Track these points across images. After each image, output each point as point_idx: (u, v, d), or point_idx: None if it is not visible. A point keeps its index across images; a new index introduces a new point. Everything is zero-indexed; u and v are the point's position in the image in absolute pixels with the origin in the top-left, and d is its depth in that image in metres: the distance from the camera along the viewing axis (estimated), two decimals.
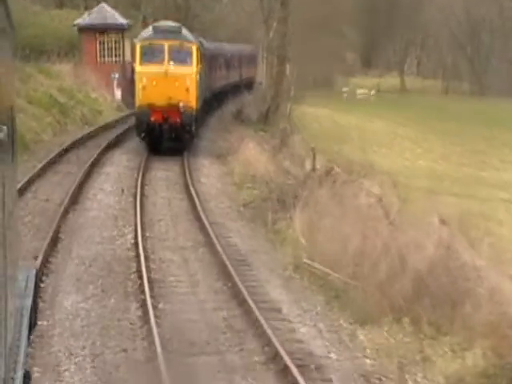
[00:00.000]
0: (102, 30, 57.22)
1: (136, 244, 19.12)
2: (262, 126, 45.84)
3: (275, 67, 50.45)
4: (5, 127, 4.11)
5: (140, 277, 16.51)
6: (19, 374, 4.45)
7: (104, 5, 59.84)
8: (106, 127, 44.29)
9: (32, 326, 6.23)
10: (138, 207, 22.99)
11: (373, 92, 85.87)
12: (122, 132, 41.79)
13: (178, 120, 34.42)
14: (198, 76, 35.71)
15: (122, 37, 58.15)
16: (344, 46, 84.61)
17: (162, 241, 20.03)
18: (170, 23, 37.79)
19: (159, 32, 35.35)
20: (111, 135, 40.34)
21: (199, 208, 23.15)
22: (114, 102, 55.49)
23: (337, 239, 18.95)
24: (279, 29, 48.49)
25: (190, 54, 35.17)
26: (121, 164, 32.38)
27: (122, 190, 26.48)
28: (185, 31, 36.01)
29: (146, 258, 17.80)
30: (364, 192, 22.06)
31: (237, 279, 16.50)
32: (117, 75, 56.82)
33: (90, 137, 39.51)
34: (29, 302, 5.97)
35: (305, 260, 18.51)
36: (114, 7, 61.23)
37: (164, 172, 30.83)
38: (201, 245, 19.83)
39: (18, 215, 7.38)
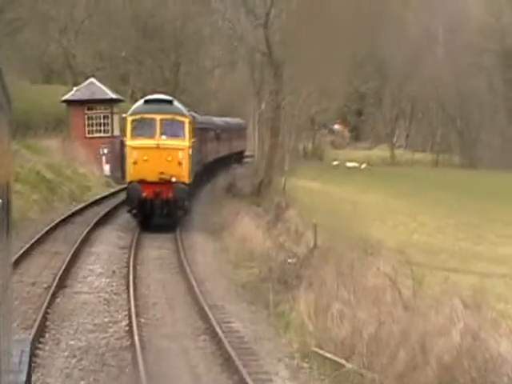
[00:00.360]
0: (91, 104, 56.51)
1: (131, 332, 17.58)
2: (255, 199, 44.70)
3: (268, 139, 49.44)
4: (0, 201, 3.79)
5: (137, 370, 14.92)
6: None
7: (93, 80, 59.38)
8: (95, 203, 42.96)
9: None
10: (132, 290, 21.44)
11: (363, 165, 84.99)
12: (112, 208, 40.43)
13: (171, 195, 33.13)
14: (190, 149, 34.55)
15: (111, 111, 57.46)
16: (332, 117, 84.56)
17: (159, 327, 18.38)
18: (162, 96, 36.78)
19: (151, 105, 34.29)
20: (100, 211, 38.97)
21: (196, 290, 21.63)
22: (103, 177, 54.39)
23: (348, 324, 17.49)
24: (272, 100, 47.67)
25: (183, 127, 34.06)
26: (111, 242, 30.89)
27: (113, 272, 24.97)
28: (177, 104, 35.01)
29: (143, 348, 16.21)
30: (372, 271, 20.71)
31: (243, 371, 14.91)
32: (106, 150, 55.97)
33: (78, 214, 38.15)
34: (23, 377, 5.63)
35: (314, 348, 16.98)
36: (103, 82, 60.55)
37: (157, 250, 29.35)
38: (201, 331, 18.16)
39: (12, 289, 6.92)
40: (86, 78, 61.59)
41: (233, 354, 15.98)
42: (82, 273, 24.63)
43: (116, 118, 57.52)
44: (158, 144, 33.19)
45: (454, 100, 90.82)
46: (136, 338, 16.86)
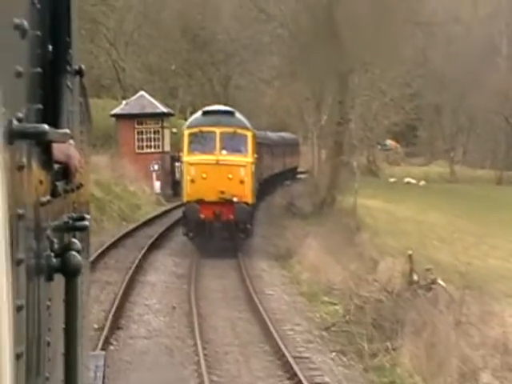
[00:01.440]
0: (141, 118, 53.27)
1: None
2: (317, 219, 40.91)
3: (331, 155, 45.67)
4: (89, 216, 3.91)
5: None
6: None
7: (143, 93, 56.26)
8: (146, 224, 39.58)
9: None
10: (197, 335, 17.88)
11: (422, 182, 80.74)
12: (165, 229, 37.00)
13: (232, 217, 29.51)
14: (253, 166, 30.93)
15: (162, 126, 54.24)
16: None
17: None
18: (222, 107, 33.26)
19: (210, 117, 30.73)
20: (153, 233, 35.55)
21: (274, 335, 17.94)
22: (153, 194, 51.10)
23: None
24: (335, 114, 43.99)
25: (245, 142, 30.47)
26: (167, 270, 27.36)
27: (173, 308, 21.45)
28: (238, 116, 31.35)
29: None
30: (494, 317, 16.90)
31: None
32: (156, 167, 52.79)
33: (129, 235, 34.78)
34: None
35: None
36: (152, 96, 57.39)
37: (219, 280, 25.76)
38: None
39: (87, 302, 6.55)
40: (136, 92, 58.67)
41: None
42: (137, 309, 21.12)
43: (167, 132, 54.78)
44: (217, 160, 29.66)
45: None
46: None
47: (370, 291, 21.55)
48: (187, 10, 72.67)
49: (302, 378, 14.65)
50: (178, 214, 40.26)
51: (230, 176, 29.55)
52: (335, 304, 21.66)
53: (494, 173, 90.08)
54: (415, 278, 20.33)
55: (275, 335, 17.80)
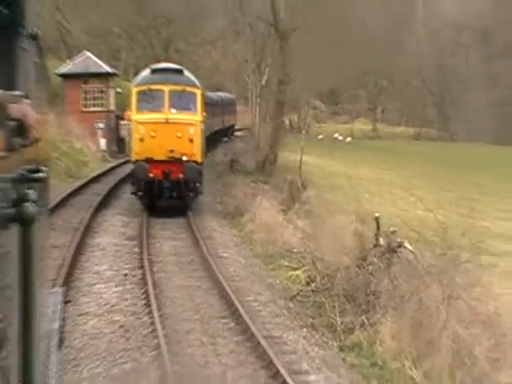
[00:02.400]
0: (86, 78, 49.20)
1: None
2: (260, 176, 37.70)
3: (272, 114, 42.31)
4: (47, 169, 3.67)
5: None
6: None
7: (88, 53, 51.98)
8: (93, 181, 35.78)
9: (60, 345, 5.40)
10: (155, 311, 14.51)
11: (348, 139, 78.31)
12: (112, 187, 33.29)
13: (182, 176, 25.98)
14: (202, 125, 27.39)
15: (107, 85, 50.26)
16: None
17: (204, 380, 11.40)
18: (170, 65, 29.40)
19: (158, 75, 26.87)
20: (99, 190, 31.87)
21: (241, 311, 14.61)
22: (99, 151, 47.26)
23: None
24: (275, 74, 40.58)
25: (194, 100, 26.76)
26: (116, 231, 23.75)
27: (125, 275, 17.97)
28: (187, 74, 27.59)
29: None
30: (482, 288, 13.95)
31: None
32: (101, 125, 48.92)
33: (76, 193, 30.98)
34: (56, 324, 5.38)
35: None
36: (97, 57, 53.36)
37: (172, 242, 22.27)
38: None
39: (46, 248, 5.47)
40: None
41: None
42: (87, 278, 17.57)
43: (112, 92, 50.85)
44: (167, 118, 25.99)
45: (433, 76, 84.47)
46: None
47: (333, 255, 18.43)
48: None
49: (280, 369, 11.39)
50: (124, 170, 36.88)
51: (179, 134, 25.99)
52: (296, 269, 18.44)
53: (412, 130, 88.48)
54: (381, 241, 17.20)
55: (241, 311, 14.49)
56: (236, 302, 15.16)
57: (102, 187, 33.33)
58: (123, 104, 44.79)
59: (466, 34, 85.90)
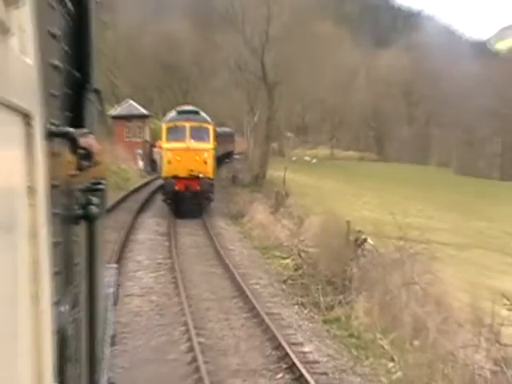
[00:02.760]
0: (129, 118, 48.20)
1: (195, 360, 9.40)
2: (254, 187, 36.43)
3: (262, 144, 41.03)
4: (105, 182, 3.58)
5: None
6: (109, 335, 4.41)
7: (130, 101, 51.25)
8: (134, 191, 34.47)
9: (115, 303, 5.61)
10: (183, 295, 13.20)
11: (314, 160, 77.00)
12: (147, 196, 32.00)
13: (198, 188, 24.71)
14: (213, 151, 26.13)
15: (144, 123, 49.26)
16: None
17: (224, 356, 9.95)
18: (190, 107, 28.13)
19: (181, 115, 25.62)
20: (138, 198, 30.57)
21: (248, 292, 13.33)
22: (138, 170, 46.14)
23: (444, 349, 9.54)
24: (264, 115, 39.38)
25: (208, 133, 25.52)
26: (151, 229, 22.42)
27: (159, 264, 16.67)
28: (202, 113, 26.38)
29: None
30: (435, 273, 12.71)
31: None
32: (140, 151, 47.82)
33: (122, 200, 29.61)
34: (112, 289, 5.47)
35: None
36: (137, 103, 52.43)
37: (192, 237, 20.96)
38: (274, 360, 9.78)
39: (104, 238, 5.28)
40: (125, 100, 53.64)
41: None
42: (130, 266, 16.25)
43: (147, 128, 49.98)
44: (188, 146, 24.69)
45: (372, 116, 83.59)
46: (203, 372, 8.79)
47: (313, 247, 17.18)
48: (158, 45, 67.15)
49: (282, 342, 10.15)
50: (156, 183, 35.62)
51: (197, 158, 24.73)
52: (285, 258, 17.19)
53: (358, 153, 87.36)
54: (351, 238, 15.95)
55: (248, 293, 13.21)
56: (243, 285, 13.91)
57: (141, 196, 32.06)
58: (155, 136, 44.34)
59: (394, 87, 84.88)
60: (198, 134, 25.18)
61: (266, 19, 35.55)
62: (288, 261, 16.63)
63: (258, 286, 14.29)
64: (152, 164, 48.38)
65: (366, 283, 12.51)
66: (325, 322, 11.98)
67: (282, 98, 39.19)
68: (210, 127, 25.75)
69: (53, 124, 1.76)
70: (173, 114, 26.35)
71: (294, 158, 76.40)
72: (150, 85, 69.79)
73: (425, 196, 53.28)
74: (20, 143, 1.29)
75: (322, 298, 12.79)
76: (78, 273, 2.54)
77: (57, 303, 1.57)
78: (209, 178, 25.05)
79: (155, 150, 44.15)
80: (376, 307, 11.44)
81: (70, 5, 2.46)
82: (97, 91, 3.92)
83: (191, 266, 16.42)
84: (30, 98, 1.35)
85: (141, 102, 62.33)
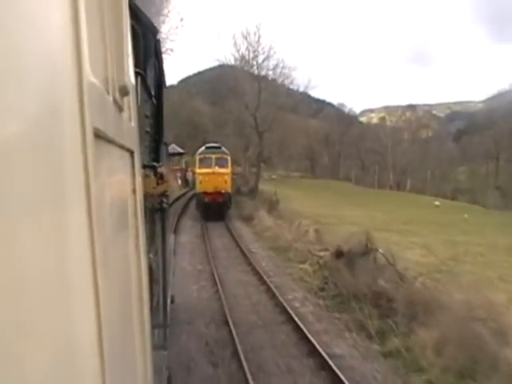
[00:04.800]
0: (173, 155, 42.16)
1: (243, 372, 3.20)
2: (251, 196, 30.09)
3: (255, 168, 34.70)
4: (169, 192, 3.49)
5: None
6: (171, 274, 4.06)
7: (173, 145, 44.91)
8: (176, 199, 27.86)
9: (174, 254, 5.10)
10: (226, 309, 6.90)
11: (276, 177, 70.61)
12: (185, 202, 25.36)
13: (221, 200, 18.43)
14: (231, 174, 19.81)
15: (181, 157, 43.08)
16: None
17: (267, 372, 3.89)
18: (214, 144, 21.75)
19: (209, 149, 19.50)
20: (180, 203, 23.96)
21: (290, 310, 7.10)
22: (178, 185, 40.14)
23: None
24: (255, 151, 33.10)
25: (227, 161, 19.27)
26: (191, 232, 15.91)
27: (199, 271, 10.28)
28: (223, 148, 20.17)
29: None
30: None
31: None
32: (178, 173, 41.53)
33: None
34: (173, 246, 4.93)
35: None
36: (177, 145, 46.25)
37: (220, 239, 14.59)
38: None
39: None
40: (169, 144, 46.73)
41: None
42: (177, 260, 9.77)
43: (183, 160, 44.48)
44: (213, 171, 18.45)
45: (308, 152, 78.06)
46: None
47: (322, 250, 10.97)
48: (190, 114, 60.60)
49: (338, 372, 4.00)
50: (189, 193, 29.47)
51: (220, 179, 18.56)
52: (302, 262, 10.92)
53: (299, 173, 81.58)
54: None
55: (290, 312, 6.98)
56: (285, 305, 7.62)
57: (181, 202, 25.39)
58: (187, 165, 40.39)
59: (320, 136, 79.58)
60: (221, 162, 18.93)
61: (258, 91, 29.56)
62: (306, 266, 10.37)
63: (297, 304, 7.98)
64: (186, 181, 42.52)
65: (418, 306, 6.36)
66: (384, 355, 5.78)
67: (268, 140, 32.90)
68: (228, 157, 19.52)
69: (146, 160, 2.12)
70: (203, 148, 20.09)
71: (274, 177, 70.20)
72: (184, 135, 63.52)
73: (343, 198, 47.41)
74: (129, 168, 1.32)
75: (369, 322, 6.58)
76: (157, 237, 2.70)
77: (148, 252, 1.65)
78: (228, 193, 18.81)
79: (187, 173, 40.35)
80: (447, 341, 5.26)
81: (154, 99, 2.88)
82: (165, 143, 4.26)
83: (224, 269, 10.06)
84: (133, 143, 1.38)
85: (179, 144, 56.40)
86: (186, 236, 14.46)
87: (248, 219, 19.35)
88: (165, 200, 2.85)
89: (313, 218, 20.13)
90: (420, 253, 11.99)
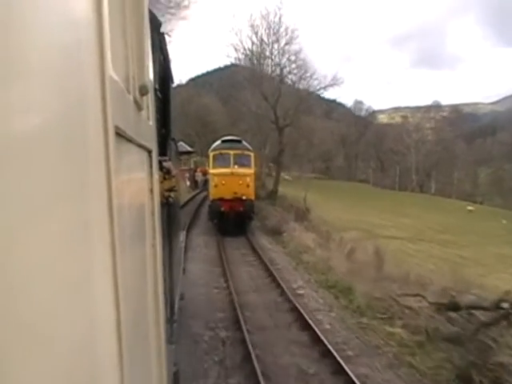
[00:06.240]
0: (182, 153, 38.97)
1: None
2: (270, 201, 26.04)
3: (274, 169, 30.76)
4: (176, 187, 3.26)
5: None
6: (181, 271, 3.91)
7: (181, 142, 41.59)
8: (187, 202, 24.23)
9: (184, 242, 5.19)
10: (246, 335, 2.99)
11: (291, 178, 66.36)
12: (196, 208, 21.43)
13: (242, 209, 14.31)
14: (254, 176, 15.69)
15: (190, 156, 39.77)
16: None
17: None
18: (233, 137, 17.58)
19: (226, 144, 15.22)
20: (189, 208, 20.03)
21: (324, 339, 3.33)
22: (186, 187, 36.74)
23: None
24: (275, 147, 29.13)
25: (250, 159, 14.98)
26: (202, 252, 11.92)
27: (224, 342, 6.19)
28: (244, 142, 15.90)
29: None
30: None
31: None
32: (187, 174, 37.40)
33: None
34: (183, 237, 4.80)
35: None
36: (186, 143, 42.89)
37: (245, 268, 10.32)
38: None
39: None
40: (177, 142, 43.26)
41: None
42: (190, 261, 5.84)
43: (192, 159, 40.94)
44: (232, 172, 14.32)
45: (324, 153, 73.66)
46: None
47: (408, 295, 6.83)
48: (199, 111, 56.77)
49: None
50: (199, 196, 25.76)
51: (240, 182, 14.34)
52: (388, 318, 6.77)
53: (314, 174, 77.15)
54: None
55: (325, 341, 2.94)
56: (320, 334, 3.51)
57: (190, 208, 21.47)
58: (197, 164, 36.84)
59: (337, 137, 75.25)
60: (241, 161, 14.76)
61: (279, 79, 25.52)
62: (399, 330, 6.10)
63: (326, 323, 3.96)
64: (195, 183, 39.12)
65: None
66: None
67: (289, 137, 28.88)
68: (252, 154, 15.24)
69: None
70: (218, 142, 15.81)
71: (289, 178, 66.02)
72: (193, 133, 60.18)
73: (365, 202, 42.94)
74: (147, 167, 1.34)
75: None
76: (164, 233, 2.61)
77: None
78: (251, 200, 14.61)
79: (196, 173, 36.69)
80: None
81: (158, 93, 2.72)
82: (173, 139, 4.01)
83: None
84: (152, 143, 1.41)
85: (188, 143, 53.40)
86: (197, 263, 9.71)
87: (275, 232, 15.15)
88: (172, 195, 2.72)
89: (349, 228, 16.04)
90: (482, 272, 8.75)
